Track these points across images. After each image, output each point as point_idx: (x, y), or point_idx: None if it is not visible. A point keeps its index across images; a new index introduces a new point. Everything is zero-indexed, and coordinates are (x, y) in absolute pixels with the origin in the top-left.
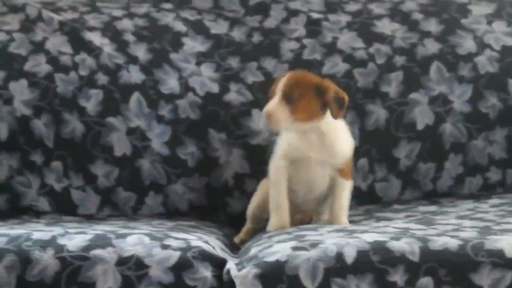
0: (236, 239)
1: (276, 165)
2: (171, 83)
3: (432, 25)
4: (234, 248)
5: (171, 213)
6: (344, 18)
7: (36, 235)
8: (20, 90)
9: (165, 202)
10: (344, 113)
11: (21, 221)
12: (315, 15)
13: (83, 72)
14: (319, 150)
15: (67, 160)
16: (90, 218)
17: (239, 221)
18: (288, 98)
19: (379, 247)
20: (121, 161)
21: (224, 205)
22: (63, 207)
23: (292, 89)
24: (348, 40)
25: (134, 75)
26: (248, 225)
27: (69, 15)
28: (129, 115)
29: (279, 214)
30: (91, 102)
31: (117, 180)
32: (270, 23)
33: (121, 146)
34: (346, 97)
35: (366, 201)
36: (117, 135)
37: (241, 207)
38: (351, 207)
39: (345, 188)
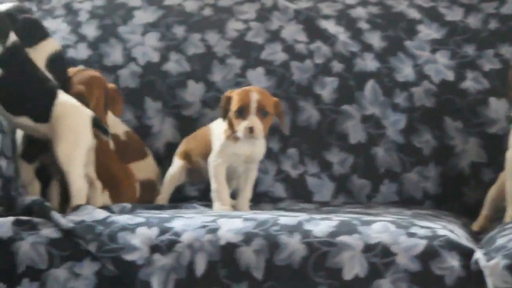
0: (475, 226)
1: (511, 153)
2: (406, 71)
3: None
4: (473, 237)
5: (405, 201)
6: None
7: (283, 220)
8: (257, 78)
9: (399, 190)
10: None
11: (258, 207)
12: None
13: (319, 60)
14: None
15: (302, 147)
16: (324, 205)
17: (473, 211)
18: None
19: None
20: (356, 149)
21: (459, 194)
22: (299, 194)
23: None
24: None
25: (369, 62)
26: (485, 212)
27: (303, 4)
28: (364, 103)
29: None
30: (327, 89)
31: (352, 167)
32: (508, 9)
33: (356, 133)
34: None
35: None
36: (352, 123)
37: (477, 196)
38: None
39: None
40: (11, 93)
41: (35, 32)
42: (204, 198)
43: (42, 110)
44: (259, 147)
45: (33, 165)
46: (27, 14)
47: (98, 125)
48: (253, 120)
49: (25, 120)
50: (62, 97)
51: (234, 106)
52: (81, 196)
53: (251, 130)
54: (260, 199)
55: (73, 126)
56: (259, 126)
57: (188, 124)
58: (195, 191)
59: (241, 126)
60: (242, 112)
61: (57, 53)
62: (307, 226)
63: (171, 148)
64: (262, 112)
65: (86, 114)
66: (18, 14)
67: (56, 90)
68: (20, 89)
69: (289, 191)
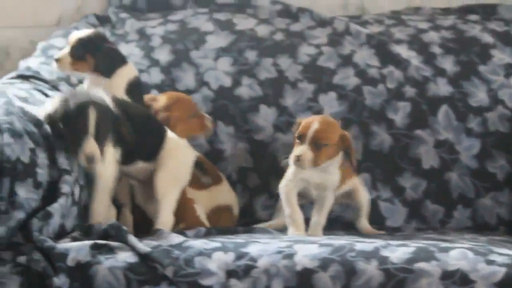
0: None
1: None
2: (480, 96)
3: None
4: None
5: (478, 227)
6: None
7: (359, 246)
8: (329, 103)
9: (473, 215)
10: None
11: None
12: None
13: (391, 85)
14: None
15: (375, 172)
16: (397, 230)
17: None
18: None
19: None
20: (429, 174)
21: None
22: (371, 219)
23: None
24: None
25: (442, 87)
26: None
27: (375, 28)
28: (437, 128)
29: None
30: (399, 114)
31: (425, 192)
32: None
33: (429, 158)
34: None
35: None
36: (425, 148)
37: None
38: None
39: None
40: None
41: (115, 59)
42: None
43: (155, 149)
44: (332, 175)
45: None
46: (107, 41)
47: (201, 167)
48: (303, 149)
49: (139, 164)
50: (169, 132)
51: (296, 132)
52: (167, 229)
53: (297, 158)
54: (332, 224)
55: (179, 163)
56: (307, 156)
57: (261, 149)
58: (266, 215)
59: (292, 153)
60: (301, 139)
61: (136, 79)
62: (384, 253)
63: (243, 172)
64: (316, 143)
65: (191, 154)
66: (99, 41)
67: (164, 125)
68: (139, 134)
69: None
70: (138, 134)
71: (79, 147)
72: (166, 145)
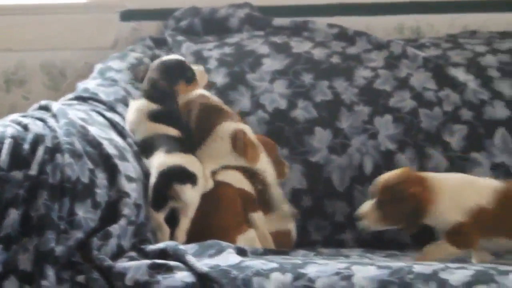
0: None
1: None
2: None
3: None
4: None
5: None
6: None
7: (417, 269)
8: (385, 125)
9: None
10: None
11: None
12: None
13: (448, 108)
14: None
15: None
16: None
17: None
18: None
19: None
20: None
21: None
22: None
23: None
24: None
25: (499, 110)
26: None
27: (432, 52)
28: (493, 151)
29: None
30: (455, 137)
31: None
32: None
33: None
34: None
35: None
36: (481, 171)
37: None
38: None
39: None
40: None
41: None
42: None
43: None
44: None
45: (162, 213)
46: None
47: None
48: None
49: None
50: None
51: None
52: None
53: None
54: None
55: None
56: None
57: (315, 171)
58: (320, 236)
59: None
60: None
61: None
62: (443, 275)
63: (297, 194)
64: None
65: None
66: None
67: None
68: None
69: None
70: None
71: None
72: None
